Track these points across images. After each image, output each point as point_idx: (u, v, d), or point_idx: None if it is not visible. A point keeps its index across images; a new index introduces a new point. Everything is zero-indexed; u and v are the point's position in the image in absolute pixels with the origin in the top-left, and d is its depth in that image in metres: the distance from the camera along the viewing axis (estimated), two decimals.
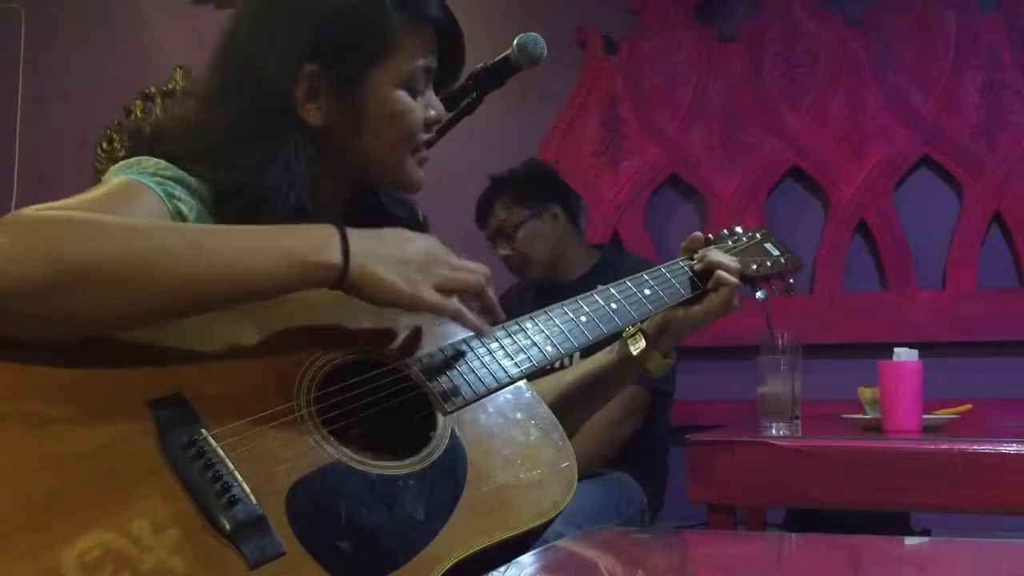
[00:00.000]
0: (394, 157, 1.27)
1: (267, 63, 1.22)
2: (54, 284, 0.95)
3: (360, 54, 1.22)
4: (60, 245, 0.97)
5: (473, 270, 1.15)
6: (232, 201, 1.18)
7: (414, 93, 1.26)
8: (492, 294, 1.16)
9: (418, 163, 1.29)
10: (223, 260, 1.02)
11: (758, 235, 1.58)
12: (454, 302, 1.11)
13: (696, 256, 1.48)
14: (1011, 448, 1.69)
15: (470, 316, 1.13)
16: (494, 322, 1.19)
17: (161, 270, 1.00)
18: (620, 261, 2.87)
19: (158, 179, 1.15)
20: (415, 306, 1.08)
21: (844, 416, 2.15)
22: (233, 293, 1.04)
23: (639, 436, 2.63)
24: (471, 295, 1.15)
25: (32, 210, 1.01)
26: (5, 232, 0.97)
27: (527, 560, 1.03)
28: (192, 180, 1.18)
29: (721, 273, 1.44)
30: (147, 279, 0.99)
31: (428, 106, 1.28)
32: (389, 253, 1.09)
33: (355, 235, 1.08)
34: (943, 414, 2.04)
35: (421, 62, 1.25)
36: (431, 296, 1.09)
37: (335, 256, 1.05)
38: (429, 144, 1.30)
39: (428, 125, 1.28)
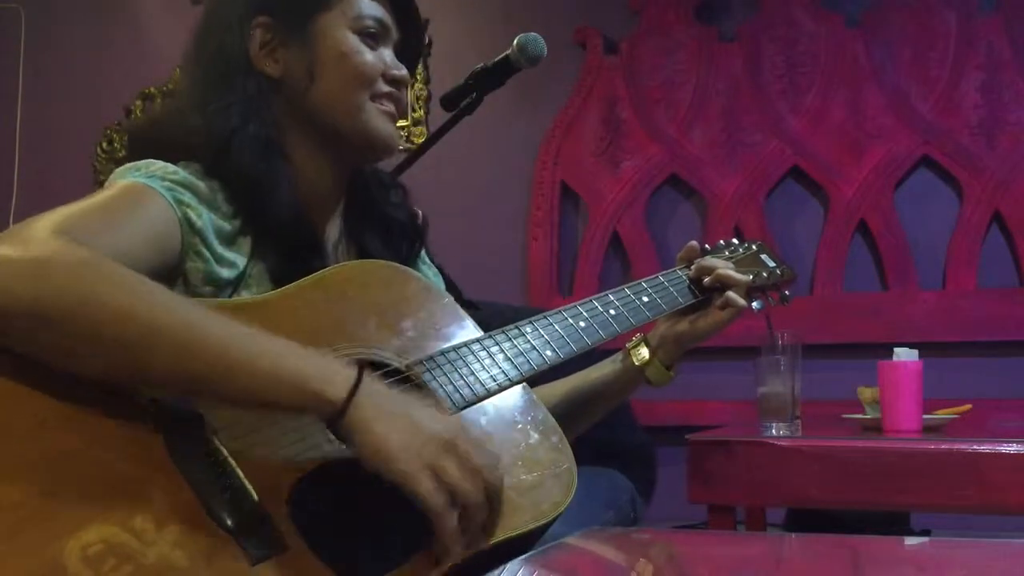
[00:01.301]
0: (352, 100, 1.26)
1: (222, 22, 1.27)
2: (47, 319, 0.94)
3: (306, 1, 1.27)
4: (67, 285, 0.95)
5: (479, 482, 1.00)
6: (206, 154, 1.20)
7: (367, 41, 1.28)
8: (485, 516, 1.01)
9: (384, 116, 1.28)
10: (213, 354, 0.97)
11: (754, 246, 1.58)
12: (442, 501, 0.97)
13: (696, 265, 1.47)
14: (1011, 448, 1.69)
15: (449, 527, 0.97)
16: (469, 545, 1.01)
17: (151, 351, 0.96)
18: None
19: (167, 184, 1.15)
20: (401, 481, 0.97)
21: (844, 416, 2.15)
22: (213, 391, 0.99)
23: (612, 433, 2.63)
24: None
25: (47, 231, 0.99)
26: (16, 247, 0.96)
27: (527, 560, 1.03)
28: (199, 184, 1.18)
29: (731, 295, 1.43)
30: (136, 355, 0.96)
31: (389, 64, 1.29)
32: (400, 414, 1.00)
33: (372, 383, 1.00)
34: (943, 414, 2.04)
35: (368, 11, 1.28)
36: (421, 480, 0.96)
37: (337, 392, 0.98)
38: (396, 101, 1.30)
39: (391, 81, 1.29)
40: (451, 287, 2.60)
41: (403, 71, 1.30)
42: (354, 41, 1.27)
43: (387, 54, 1.30)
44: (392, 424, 0.98)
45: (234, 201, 1.21)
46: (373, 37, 1.28)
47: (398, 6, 1.32)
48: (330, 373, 0.99)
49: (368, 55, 1.27)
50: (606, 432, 2.59)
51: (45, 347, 0.96)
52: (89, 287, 0.96)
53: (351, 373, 1.00)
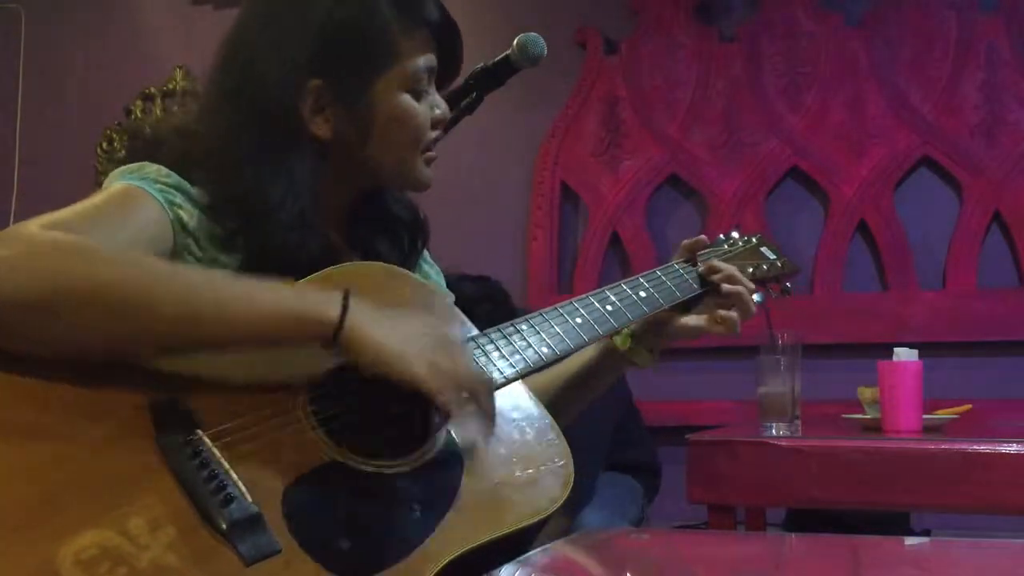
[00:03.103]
0: (405, 161, 1.26)
1: (271, 80, 1.21)
2: (50, 304, 0.96)
3: (364, 65, 1.22)
4: (62, 267, 0.98)
5: (478, 372, 1.10)
6: (230, 209, 1.18)
7: (418, 95, 1.25)
8: (491, 401, 1.09)
9: (426, 163, 1.29)
10: (215, 304, 1.02)
11: (754, 239, 1.58)
12: (442, 385, 1.04)
13: (707, 265, 1.46)
14: (1011, 448, 1.69)
15: (455, 405, 1.05)
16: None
17: (152, 307, 1.00)
18: None
19: (160, 186, 1.15)
20: (402, 377, 1.03)
21: (844, 416, 2.15)
22: (217, 337, 1.02)
23: (629, 448, 2.72)
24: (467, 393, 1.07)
25: (37, 227, 1.01)
26: (9, 246, 0.98)
27: (527, 560, 1.03)
28: (192, 189, 1.18)
29: (731, 315, 1.41)
30: (138, 314, 0.99)
31: (433, 105, 1.27)
32: (391, 323, 1.06)
33: (360, 300, 1.05)
34: (943, 414, 2.04)
35: (422, 63, 1.24)
36: (422, 372, 1.03)
37: (331, 311, 1.03)
38: (436, 142, 1.30)
39: (435, 124, 1.28)
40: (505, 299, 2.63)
41: (445, 109, 1.29)
42: (410, 104, 1.24)
43: (433, 98, 1.28)
44: (386, 330, 1.04)
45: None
46: (423, 88, 1.26)
47: (437, 28, 1.27)
48: (320, 298, 1.05)
49: (421, 114, 1.25)
50: (625, 448, 2.70)
51: (44, 335, 0.97)
52: (85, 265, 0.98)
53: (338, 294, 1.05)
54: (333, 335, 1.03)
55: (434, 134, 1.28)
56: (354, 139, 1.23)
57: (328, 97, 1.21)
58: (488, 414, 1.08)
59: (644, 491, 2.77)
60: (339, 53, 1.21)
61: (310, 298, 1.05)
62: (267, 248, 1.18)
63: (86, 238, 1.03)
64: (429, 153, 1.29)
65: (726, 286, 1.42)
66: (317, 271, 1.20)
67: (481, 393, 1.07)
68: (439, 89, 1.31)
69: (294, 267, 1.18)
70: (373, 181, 1.30)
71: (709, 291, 1.45)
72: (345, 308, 1.03)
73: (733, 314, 1.41)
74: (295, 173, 1.20)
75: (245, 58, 1.23)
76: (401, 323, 1.07)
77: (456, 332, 1.15)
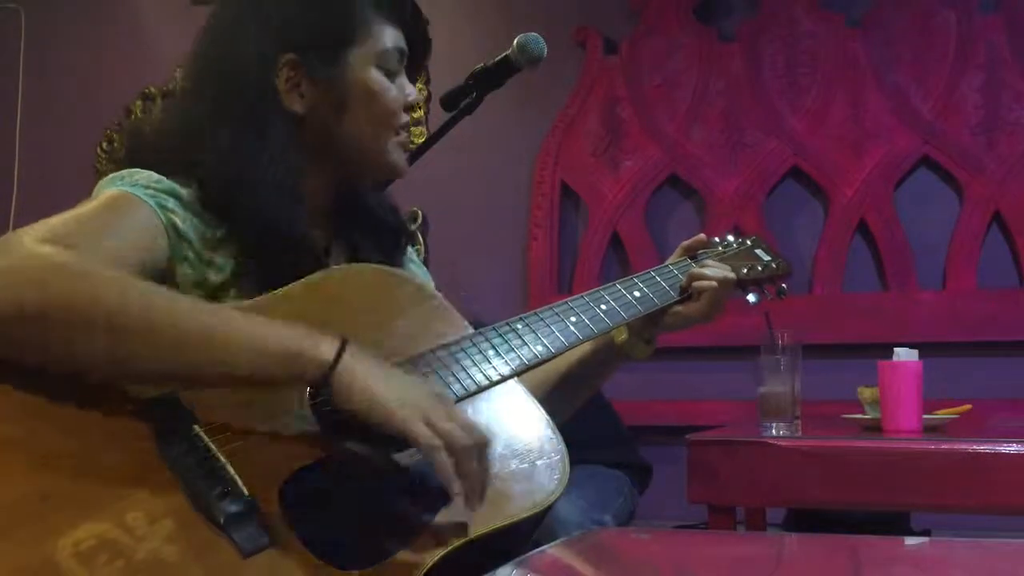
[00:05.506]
0: (378, 138, 1.28)
1: (245, 57, 1.24)
2: (39, 321, 0.96)
3: (335, 38, 1.25)
4: (55, 286, 0.97)
5: (468, 428, 1.03)
6: (217, 189, 1.19)
7: (389, 75, 1.28)
8: (476, 467, 1.01)
9: (401, 148, 1.30)
10: (202, 336, 1.01)
11: (748, 241, 1.61)
12: (438, 442, 0.99)
13: (688, 275, 1.48)
14: (1011, 448, 1.69)
15: (446, 466, 0.99)
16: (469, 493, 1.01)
17: (139, 336, 0.99)
18: None
19: (151, 191, 1.16)
20: (398, 427, 1.00)
21: (844, 416, 2.15)
22: (202, 372, 1.02)
23: (606, 448, 2.72)
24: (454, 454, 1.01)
25: (34, 239, 1.01)
26: (4, 258, 0.98)
27: (526, 560, 1.03)
28: (183, 191, 1.18)
29: (699, 282, 1.44)
30: (124, 343, 0.99)
31: (406, 92, 1.30)
32: (387, 374, 1.05)
33: (358, 348, 1.04)
34: (943, 414, 2.04)
35: (391, 44, 1.28)
36: (417, 423, 1.00)
37: (325, 354, 1.02)
38: (407, 128, 1.31)
39: (406, 108, 1.30)
40: None
41: (415, 94, 1.32)
42: (380, 78, 1.27)
43: (404, 82, 1.30)
44: (382, 379, 1.03)
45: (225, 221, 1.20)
46: (393, 68, 1.29)
47: (407, 23, 1.32)
48: (316, 340, 1.03)
49: (392, 91, 1.28)
50: (601, 447, 2.69)
51: (29, 350, 0.98)
52: (72, 287, 0.98)
53: (335, 339, 1.03)
54: (325, 376, 1.02)
55: (406, 118, 1.30)
56: (328, 114, 1.25)
57: (302, 71, 1.24)
58: (475, 477, 1.01)
59: (632, 483, 2.76)
60: (309, 27, 1.25)
61: (306, 339, 1.03)
62: (258, 223, 1.19)
63: (81, 254, 1.02)
64: (402, 137, 1.30)
65: (695, 283, 1.45)
66: (308, 262, 1.21)
67: (470, 455, 1.01)
68: (409, 77, 1.33)
69: (284, 259, 1.20)
70: (349, 168, 1.30)
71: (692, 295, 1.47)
72: (340, 354, 1.02)
73: (705, 289, 1.43)
74: (274, 144, 1.21)
75: (219, 42, 1.27)
76: (396, 375, 1.06)
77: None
